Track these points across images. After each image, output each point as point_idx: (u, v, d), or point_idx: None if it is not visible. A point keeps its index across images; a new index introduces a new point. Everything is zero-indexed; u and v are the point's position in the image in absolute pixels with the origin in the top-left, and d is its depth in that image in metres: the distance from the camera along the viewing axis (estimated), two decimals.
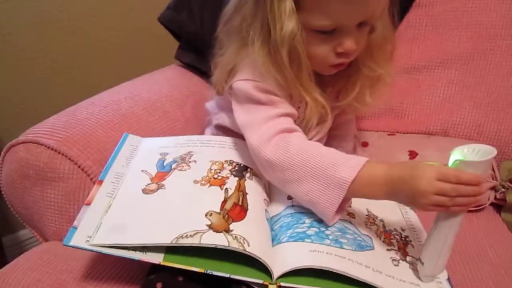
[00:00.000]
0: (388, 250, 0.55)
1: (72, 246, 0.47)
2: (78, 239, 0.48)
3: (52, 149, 0.62)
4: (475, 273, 0.60)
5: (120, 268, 0.55)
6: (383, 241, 0.56)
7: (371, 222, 0.59)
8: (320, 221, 0.55)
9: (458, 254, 0.64)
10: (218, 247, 0.47)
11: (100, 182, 0.57)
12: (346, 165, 0.51)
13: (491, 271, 0.60)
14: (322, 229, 0.53)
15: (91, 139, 0.66)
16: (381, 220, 0.60)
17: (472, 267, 0.61)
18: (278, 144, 0.55)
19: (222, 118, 0.73)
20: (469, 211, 0.77)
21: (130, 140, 0.67)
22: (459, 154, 0.47)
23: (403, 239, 0.58)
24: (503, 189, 0.77)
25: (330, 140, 0.78)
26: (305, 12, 0.54)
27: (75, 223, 0.50)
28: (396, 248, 0.56)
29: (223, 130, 0.73)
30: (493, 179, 0.77)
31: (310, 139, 0.65)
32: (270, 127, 0.57)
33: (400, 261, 0.54)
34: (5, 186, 0.66)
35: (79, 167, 0.63)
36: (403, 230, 0.60)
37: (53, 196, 0.63)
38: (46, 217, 0.64)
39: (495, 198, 0.78)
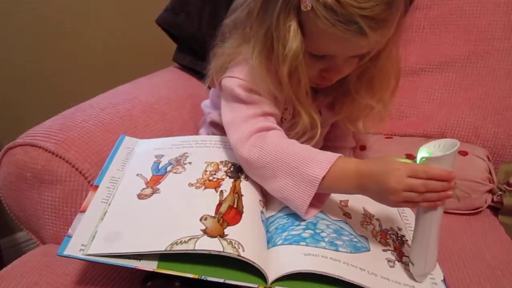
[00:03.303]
0: (384, 250, 0.55)
1: (67, 256, 0.47)
2: (72, 248, 0.48)
3: (49, 152, 0.62)
4: (473, 275, 0.60)
5: (117, 272, 0.55)
6: (379, 241, 0.56)
7: (367, 222, 0.59)
8: (315, 222, 0.55)
9: (456, 256, 0.64)
10: (212, 253, 0.46)
11: (95, 187, 0.57)
12: (318, 161, 0.52)
13: (489, 273, 0.60)
14: (318, 231, 0.53)
15: (88, 142, 0.66)
16: (377, 219, 0.60)
17: (469, 269, 0.61)
18: (254, 143, 0.57)
19: (215, 116, 0.73)
20: (467, 214, 0.77)
21: (126, 142, 0.67)
22: (425, 151, 0.48)
23: (399, 238, 0.59)
24: (500, 192, 0.77)
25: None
26: (303, 36, 0.54)
27: (70, 231, 0.50)
28: (392, 248, 0.56)
29: (217, 127, 0.74)
30: (490, 182, 0.77)
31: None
32: (248, 126, 0.58)
33: (396, 262, 0.54)
34: (3, 188, 0.66)
35: (76, 169, 0.63)
36: (399, 229, 0.61)
37: (50, 199, 0.63)
38: (43, 219, 0.64)
39: (492, 201, 0.78)
